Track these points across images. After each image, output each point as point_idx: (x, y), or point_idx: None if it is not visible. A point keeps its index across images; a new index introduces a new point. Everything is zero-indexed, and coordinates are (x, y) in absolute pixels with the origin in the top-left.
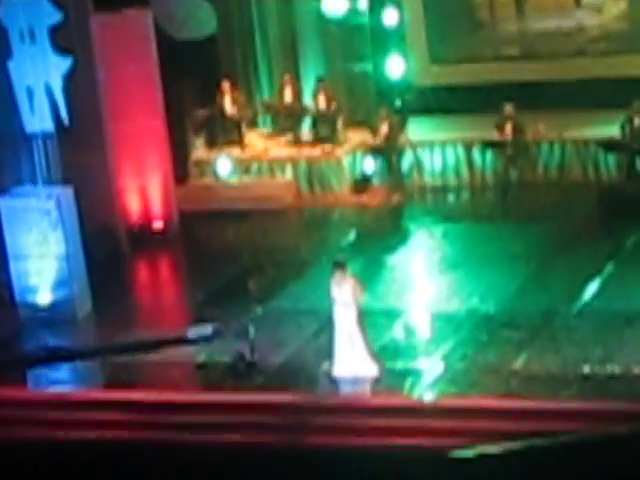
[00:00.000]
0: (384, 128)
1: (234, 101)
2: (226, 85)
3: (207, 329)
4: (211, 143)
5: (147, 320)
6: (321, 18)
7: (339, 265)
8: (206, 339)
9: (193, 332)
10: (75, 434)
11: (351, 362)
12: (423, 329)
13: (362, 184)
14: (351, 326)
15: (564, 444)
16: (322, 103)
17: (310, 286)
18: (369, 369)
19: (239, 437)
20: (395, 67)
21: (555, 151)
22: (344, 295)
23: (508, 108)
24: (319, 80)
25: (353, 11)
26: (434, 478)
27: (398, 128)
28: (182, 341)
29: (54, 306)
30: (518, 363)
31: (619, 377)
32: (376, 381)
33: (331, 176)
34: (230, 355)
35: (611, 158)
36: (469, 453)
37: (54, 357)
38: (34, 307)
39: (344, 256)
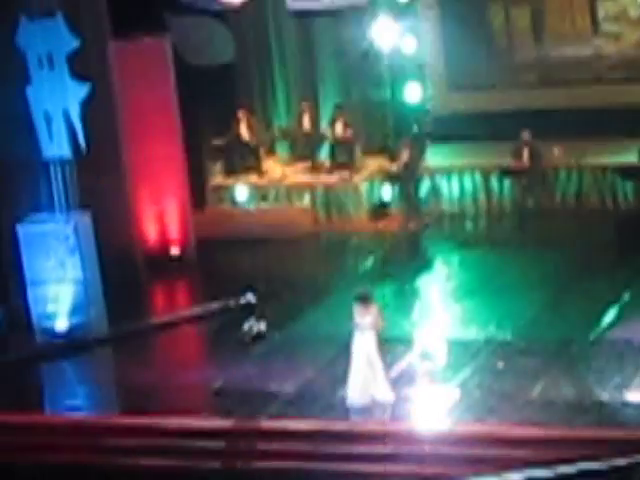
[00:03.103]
0: (405, 155)
1: (251, 128)
2: (243, 112)
3: (214, 305)
4: (229, 170)
5: (163, 345)
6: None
7: (364, 298)
8: (214, 314)
9: (202, 309)
10: (91, 459)
11: (368, 388)
12: (439, 356)
13: (380, 211)
14: (372, 352)
15: (581, 472)
16: (340, 130)
17: (327, 313)
18: (386, 395)
19: (255, 463)
20: (413, 94)
21: (572, 178)
22: (366, 322)
23: (525, 135)
24: (337, 107)
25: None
26: None
27: (418, 155)
28: (193, 318)
29: (71, 331)
30: (535, 390)
31: (636, 404)
32: (392, 408)
33: (349, 203)
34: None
35: (629, 185)
36: None
37: (70, 347)
38: (51, 332)
39: (368, 289)
